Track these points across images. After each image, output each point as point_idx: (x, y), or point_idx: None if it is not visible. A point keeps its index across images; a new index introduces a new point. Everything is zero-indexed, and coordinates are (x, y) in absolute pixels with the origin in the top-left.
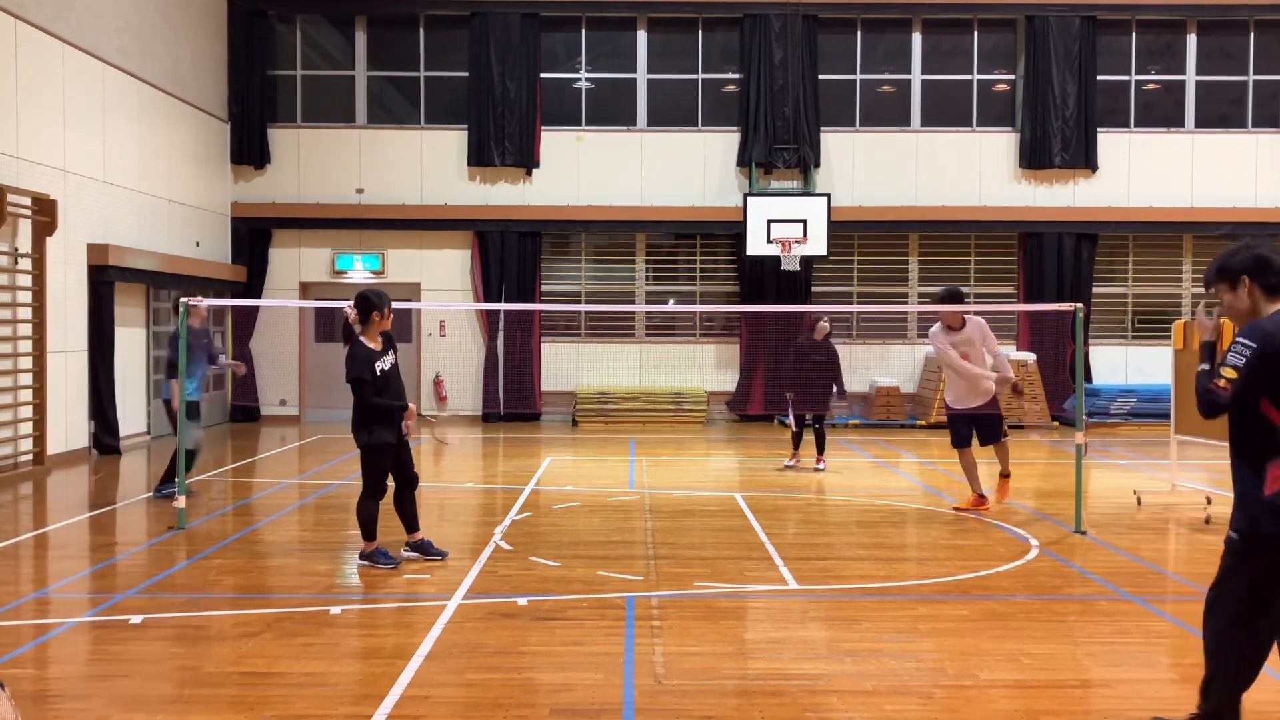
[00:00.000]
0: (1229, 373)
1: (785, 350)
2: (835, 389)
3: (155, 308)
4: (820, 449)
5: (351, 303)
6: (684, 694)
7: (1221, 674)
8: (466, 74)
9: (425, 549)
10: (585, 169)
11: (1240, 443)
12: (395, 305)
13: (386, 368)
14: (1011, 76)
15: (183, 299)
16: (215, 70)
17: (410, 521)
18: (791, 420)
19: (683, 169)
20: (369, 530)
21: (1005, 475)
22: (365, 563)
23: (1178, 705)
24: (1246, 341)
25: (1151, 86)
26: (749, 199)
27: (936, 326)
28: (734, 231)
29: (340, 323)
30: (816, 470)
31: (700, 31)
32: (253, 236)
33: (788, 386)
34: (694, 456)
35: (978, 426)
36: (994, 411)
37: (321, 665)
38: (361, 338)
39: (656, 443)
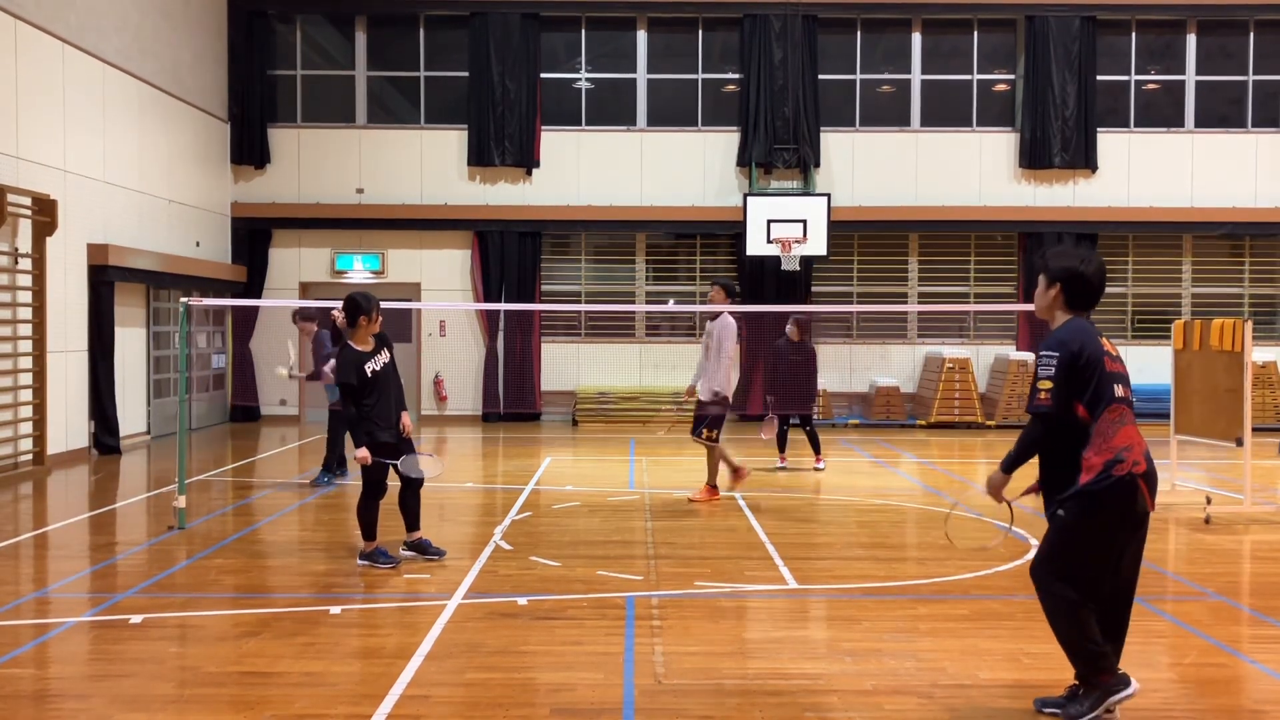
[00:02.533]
0: (1045, 384)
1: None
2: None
3: (155, 308)
4: (815, 449)
5: (340, 306)
6: (684, 694)
7: (1090, 655)
8: (466, 74)
9: (423, 548)
10: (585, 169)
11: (1055, 441)
12: (396, 305)
13: (378, 368)
14: (1011, 76)
15: (183, 299)
16: (215, 70)
17: (412, 519)
18: (767, 429)
19: (683, 169)
20: (369, 530)
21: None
22: (365, 563)
23: (1177, 705)
24: (1049, 353)
25: (1151, 86)
26: (749, 199)
27: (727, 316)
28: (734, 231)
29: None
30: (816, 470)
31: (700, 31)
32: (253, 236)
33: (770, 389)
34: (694, 456)
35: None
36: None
37: (321, 665)
38: (350, 340)
39: (656, 443)
